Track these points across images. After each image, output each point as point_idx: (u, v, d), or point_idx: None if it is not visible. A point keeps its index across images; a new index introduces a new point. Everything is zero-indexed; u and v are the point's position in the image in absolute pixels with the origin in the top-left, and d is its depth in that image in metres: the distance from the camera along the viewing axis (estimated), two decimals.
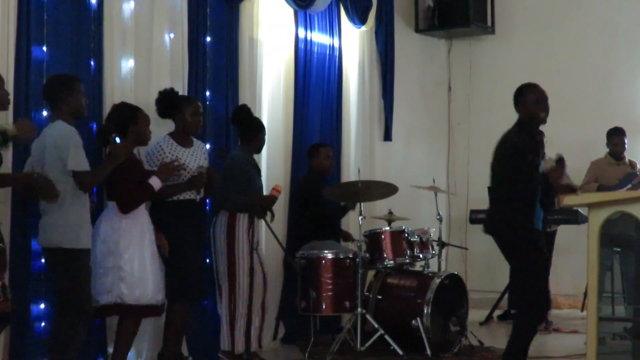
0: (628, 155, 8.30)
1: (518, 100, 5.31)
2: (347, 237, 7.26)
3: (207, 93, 6.42)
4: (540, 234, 5.28)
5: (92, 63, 5.61)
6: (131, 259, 5.15)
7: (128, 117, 5.30)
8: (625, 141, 8.05)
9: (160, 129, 5.83)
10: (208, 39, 6.44)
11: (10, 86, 4.99)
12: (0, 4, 5.09)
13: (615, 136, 8.05)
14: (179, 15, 6.19)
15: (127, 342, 5.27)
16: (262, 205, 5.96)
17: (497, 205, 5.40)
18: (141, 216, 5.29)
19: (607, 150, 8.13)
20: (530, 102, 5.25)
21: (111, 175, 5.03)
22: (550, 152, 8.44)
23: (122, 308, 5.15)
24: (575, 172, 8.21)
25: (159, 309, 5.38)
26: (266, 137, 6.36)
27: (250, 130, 6.20)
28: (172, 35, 6.13)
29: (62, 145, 4.73)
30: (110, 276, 5.11)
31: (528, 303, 5.31)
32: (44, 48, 5.32)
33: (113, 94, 5.68)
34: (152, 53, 6.01)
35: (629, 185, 7.60)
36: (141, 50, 5.93)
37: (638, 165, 8.09)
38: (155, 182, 5.27)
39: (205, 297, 5.97)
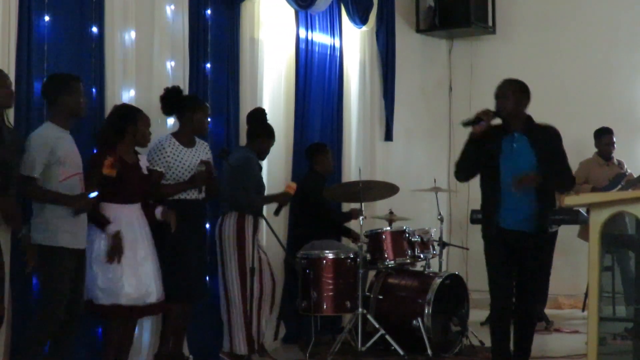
0: (630, 156, 8.30)
1: None
2: (357, 239, 7.18)
3: (208, 93, 6.42)
4: (496, 230, 5.21)
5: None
6: (101, 258, 5.11)
7: (127, 117, 5.29)
8: (615, 140, 8.03)
9: (161, 128, 5.87)
10: (209, 38, 6.44)
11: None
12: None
13: (606, 136, 8.02)
14: (179, 14, 6.19)
15: (108, 342, 5.24)
16: (279, 204, 6.16)
17: None
18: (121, 214, 5.22)
19: (595, 150, 8.11)
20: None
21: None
22: None
23: (98, 308, 5.12)
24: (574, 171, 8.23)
25: (150, 308, 5.31)
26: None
27: (260, 132, 6.21)
28: (173, 30, 6.14)
29: (27, 148, 4.73)
30: (88, 274, 5.08)
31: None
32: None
33: (114, 92, 5.67)
34: (154, 48, 6.00)
35: (619, 186, 7.62)
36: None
37: (625, 165, 8.09)
38: (110, 229, 5.15)
39: (204, 298, 5.96)
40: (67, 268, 4.82)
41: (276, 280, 6.26)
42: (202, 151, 5.83)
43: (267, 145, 6.29)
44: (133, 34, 5.87)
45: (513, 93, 5.26)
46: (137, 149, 5.48)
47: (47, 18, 5.35)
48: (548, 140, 5.27)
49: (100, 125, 5.49)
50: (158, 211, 5.45)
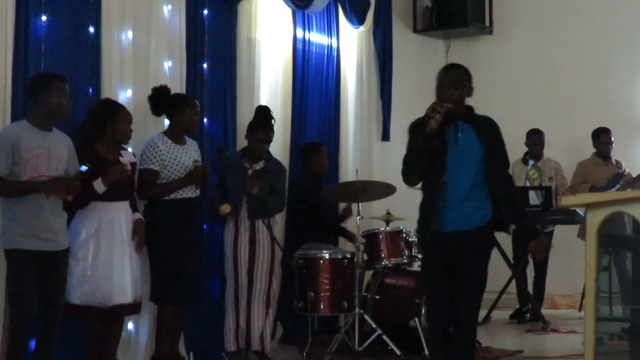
0: (628, 155, 8.30)
1: None
2: (352, 238, 7.20)
3: (205, 93, 6.41)
4: (437, 236, 4.64)
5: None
6: (84, 258, 5.05)
7: (107, 114, 5.19)
8: (612, 140, 8.04)
9: (155, 126, 5.87)
10: (206, 38, 6.44)
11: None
12: None
13: (604, 135, 8.03)
14: (176, 14, 6.19)
15: (89, 343, 5.16)
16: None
17: None
18: (101, 214, 5.12)
19: (593, 150, 8.12)
20: None
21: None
22: (548, 152, 8.52)
23: (80, 309, 5.04)
24: (572, 172, 8.24)
25: (130, 308, 5.24)
26: (269, 146, 6.33)
27: (251, 127, 6.24)
28: (169, 30, 6.13)
29: None
30: (72, 276, 5.00)
31: None
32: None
33: (111, 91, 5.67)
34: (150, 49, 6.00)
35: (618, 186, 7.63)
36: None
37: (624, 165, 8.10)
38: (99, 186, 5.06)
39: (198, 299, 5.94)
40: (28, 270, 4.62)
41: (272, 281, 6.25)
42: (192, 150, 5.82)
43: (257, 142, 6.19)
44: (130, 34, 5.86)
45: (462, 81, 4.77)
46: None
47: (44, 18, 5.33)
48: (492, 131, 4.74)
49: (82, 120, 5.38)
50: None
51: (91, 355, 5.20)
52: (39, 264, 4.68)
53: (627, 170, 8.01)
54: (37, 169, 4.65)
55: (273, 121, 6.30)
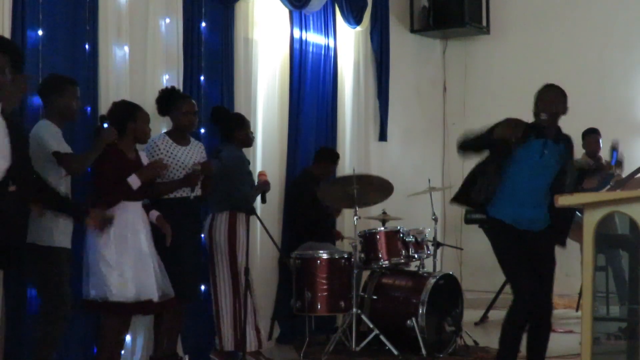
0: (626, 155, 8.29)
1: None
2: (338, 236, 7.27)
3: (202, 93, 6.41)
4: (508, 228, 5.24)
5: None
6: (110, 256, 5.08)
7: (127, 115, 5.30)
8: (600, 141, 8.04)
9: (161, 126, 5.88)
10: (203, 38, 6.44)
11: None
12: None
13: (589, 136, 8.06)
14: (174, 14, 6.18)
15: (111, 339, 5.20)
16: (262, 193, 6.07)
17: None
18: (126, 212, 5.18)
19: (583, 151, 8.12)
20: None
21: (94, 172, 5.11)
22: None
23: (104, 305, 5.10)
24: None
25: (150, 306, 5.27)
26: (260, 136, 6.32)
27: (231, 125, 6.17)
28: (166, 31, 6.12)
29: (39, 136, 4.77)
30: (95, 272, 5.08)
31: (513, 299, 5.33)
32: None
33: (108, 90, 5.67)
34: (147, 50, 6.00)
35: (608, 186, 7.62)
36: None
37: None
38: (134, 181, 5.22)
39: (197, 297, 5.95)
40: (64, 266, 4.84)
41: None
42: (196, 151, 5.81)
43: (246, 133, 6.19)
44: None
45: (565, 100, 5.34)
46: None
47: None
48: (569, 153, 5.30)
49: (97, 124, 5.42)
50: (153, 215, 5.43)
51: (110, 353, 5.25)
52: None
53: (617, 171, 7.99)
54: None
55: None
